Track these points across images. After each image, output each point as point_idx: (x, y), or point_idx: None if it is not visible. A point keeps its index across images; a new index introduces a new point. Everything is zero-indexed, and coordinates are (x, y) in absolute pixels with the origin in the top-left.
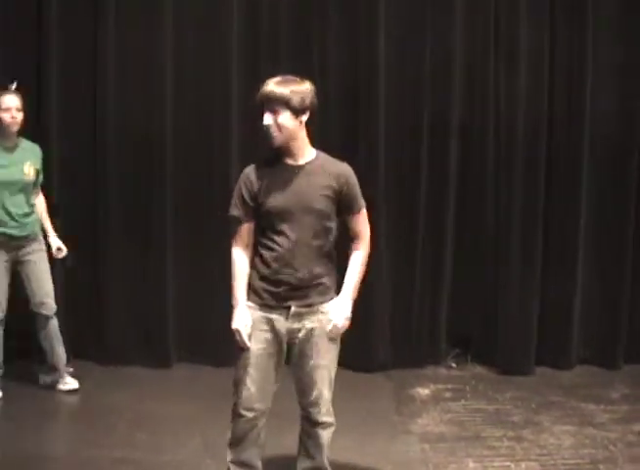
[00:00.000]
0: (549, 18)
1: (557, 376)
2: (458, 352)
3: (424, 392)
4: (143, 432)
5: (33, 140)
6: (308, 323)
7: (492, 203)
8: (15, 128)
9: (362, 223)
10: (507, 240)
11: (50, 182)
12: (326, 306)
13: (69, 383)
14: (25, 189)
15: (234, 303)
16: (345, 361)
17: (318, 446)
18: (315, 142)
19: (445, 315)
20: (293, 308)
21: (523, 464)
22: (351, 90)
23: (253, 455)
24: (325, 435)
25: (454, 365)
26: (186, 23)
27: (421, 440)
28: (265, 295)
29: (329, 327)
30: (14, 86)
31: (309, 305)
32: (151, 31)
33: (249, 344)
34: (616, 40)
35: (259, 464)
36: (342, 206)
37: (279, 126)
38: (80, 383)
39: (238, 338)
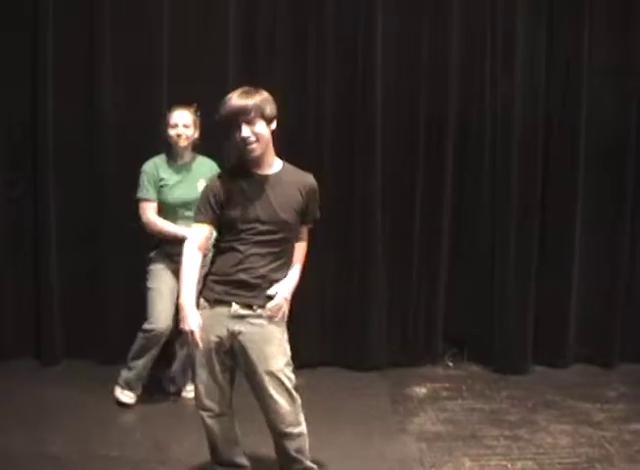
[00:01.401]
0: (545, 17)
1: (553, 375)
2: (454, 351)
3: (420, 391)
4: (140, 431)
5: (29, 141)
6: (249, 327)
7: (488, 202)
8: (182, 144)
9: (307, 233)
10: (503, 239)
11: (45, 182)
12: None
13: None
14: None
15: (183, 303)
16: (342, 361)
17: (288, 457)
18: (311, 142)
19: (442, 314)
20: (233, 306)
21: (519, 463)
22: (347, 90)
23: (234, 454)
24: (293, 445)
25: (451, 364)
26: (182, 21)
27: (417, 439)
28: (211, 288)
29: (269, 304)
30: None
31: (251, 308)
32: (147, 30)
33: (201, 345)
34: (612, 39)
35: (244, 461)
36: (302, 215)
37: (257, 136)
38: (78, 382)
39: (191, 339)
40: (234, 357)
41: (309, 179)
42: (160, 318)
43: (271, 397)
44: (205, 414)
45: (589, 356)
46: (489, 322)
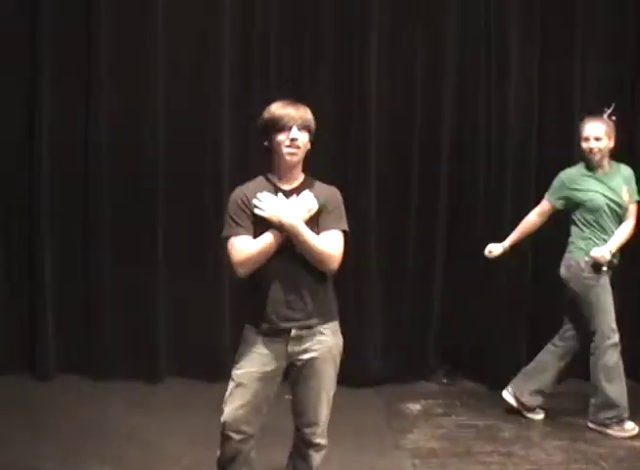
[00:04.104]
0: (540, 34)
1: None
2: (449, 367)
3: (414, 407)
4: (134, 447)
5: (25, 151)
6: (310, 345)
7: (483, 219)
8: (595, 158)
9: (334, 242)
10: (497, 257)
11: (40, 197)
12: (326, 326)
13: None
14: (620, 215)
15: (274, 231)
16: (337, 377)
17: (309, 468)
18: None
19: (436, 331)
20: (293, 332)
21: None
22: (341, 106)
23: None
24: (317, 457)
25: (445, 381)
26: (178, 33)
27: (412, 455)
28: (265, 319)
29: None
30: (607, 112)
31: (309, 327)
32: (142, 44)
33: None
34: (604, 56)
35: None
36: (322, 219)
37: (304, 145)
38: (71, 398)
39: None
40: (286, 374)
41: (332, 190)
42: None
43: (316, 409)
44: (237, 437)
45: (583, 372)
46: (483, 339)
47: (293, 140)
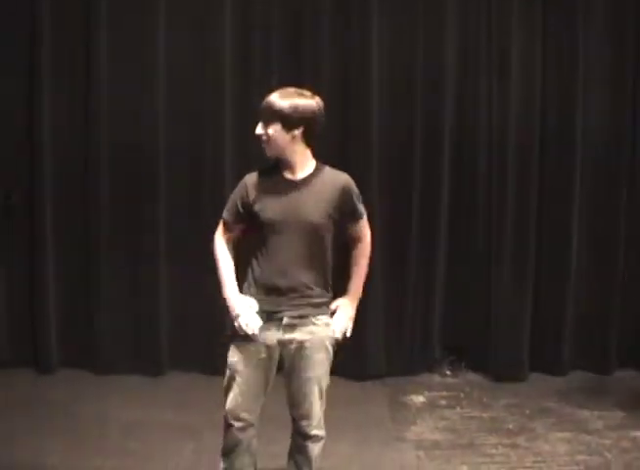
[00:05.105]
0: (541, 32)
1: (551, 382)
2: (452, 359)
3: (418, 399)
4: (136, 440)
5: (25, 150)
6: (300, 335)
7: (485, 215)
8: None
9: (363, 229)
10: (500, 250)
11: (40, 196)
12: (320, 318)
13: None
14: None
15: (227, 293)
16: (340, 369)
17: (307, 459)
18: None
19: (439, 322)
20: (285, 319)
21: None
22: (343, 105)
23: (246, 464)
24: (315, 449)
25: (449, 372)
26: (179, 25)
27: (415, 447)
28: (261, 304)
29: (331, 333)
30: None
31: (302, 317)
32: (143, 44)
33: (255, 329)
34: (606, 55)
35: None
36: (343, 215)
37: (268, 137)
38: (73, 392)
39: (243, 324)
40: (279, 363)
41: (343, 177)
42: None
43: (310, 401)
44: (237, 425)
45: (587, 364)
46: (487, 330)
47: (256, 137)
